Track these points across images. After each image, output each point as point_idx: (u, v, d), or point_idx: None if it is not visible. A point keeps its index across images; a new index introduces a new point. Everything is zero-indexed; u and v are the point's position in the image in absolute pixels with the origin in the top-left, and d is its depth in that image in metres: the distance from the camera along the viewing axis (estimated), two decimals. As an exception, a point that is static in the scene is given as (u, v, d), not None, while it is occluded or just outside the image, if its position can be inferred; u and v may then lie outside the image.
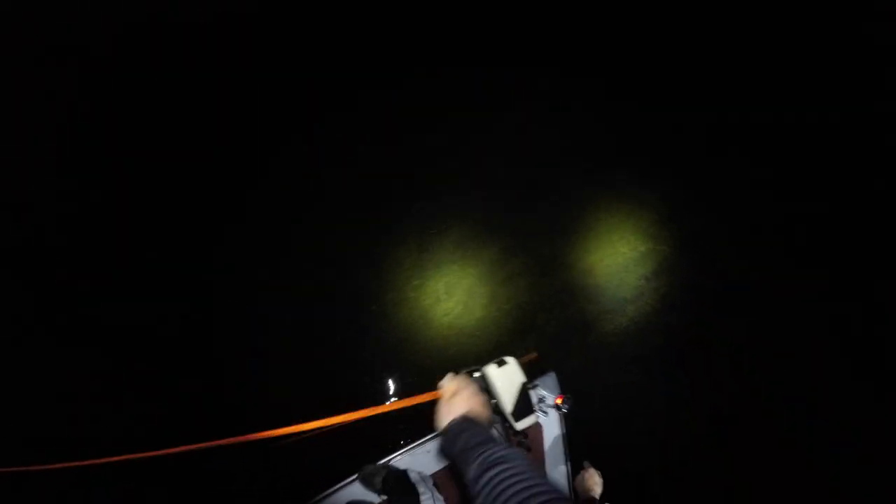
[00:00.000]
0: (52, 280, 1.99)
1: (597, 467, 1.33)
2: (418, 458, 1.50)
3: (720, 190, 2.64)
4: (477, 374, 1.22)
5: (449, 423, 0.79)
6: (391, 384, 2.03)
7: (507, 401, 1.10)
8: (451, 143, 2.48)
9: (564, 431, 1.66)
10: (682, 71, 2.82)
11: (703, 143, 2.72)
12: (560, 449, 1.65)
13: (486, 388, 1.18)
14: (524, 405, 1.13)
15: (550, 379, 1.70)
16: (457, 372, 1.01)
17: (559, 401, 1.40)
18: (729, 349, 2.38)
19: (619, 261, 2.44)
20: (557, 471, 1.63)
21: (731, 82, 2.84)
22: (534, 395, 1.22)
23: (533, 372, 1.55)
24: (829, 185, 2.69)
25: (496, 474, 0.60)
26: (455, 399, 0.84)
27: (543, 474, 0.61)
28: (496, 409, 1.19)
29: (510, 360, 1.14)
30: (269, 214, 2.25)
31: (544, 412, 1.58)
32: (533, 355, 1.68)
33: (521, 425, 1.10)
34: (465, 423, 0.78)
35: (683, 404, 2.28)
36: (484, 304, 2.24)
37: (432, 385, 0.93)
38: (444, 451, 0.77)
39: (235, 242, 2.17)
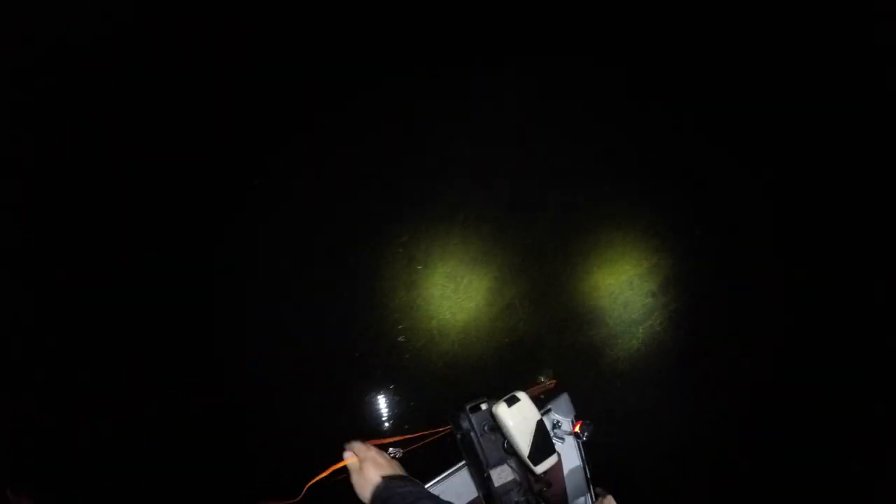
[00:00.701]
0: (52, 280, 1.99)
1: (615, 495, 1.27)
2: (453, 487, 1.36)
3: (723, 195, 2.62)
4: (483, 407, 1.16)
5: (372, 494, 0.81)
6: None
7: (523, 442, 1.01)
8: (431, 158, 2.39)
9: (584, 458, 1.52)
10: (682, 72, 2.81)
11: (704, 146, 2.71)
12: (581, 478, 1.51)
13: (495, 426, 1.11)
14: (542, 444, 1.04)
15: (563, 401, 1.55)
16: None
17: (577, 427, 1.28)
18: (748, 364, 2.32)
19: (623, 278, 2.36)
20: (578, 502, 1.51)
21: (731, 83, 2.84)
22: (547, 421, 1.13)
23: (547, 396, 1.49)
24: (828, 185, 2.69)
25: None
26: (364, 466, 0.85)
27: None
28: (510, 451, 1.11)
29: (522, 395, 1.06)
30: (262, 222, 2.23)
31: (560, 439, 1.40)
32: (551, 383, 1.59)
33: (541, 468, 1.02)
34: (386, 490, 0.80)
35: (704, 426, 2.21)
36: (482, 340, 2.14)
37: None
38: None
39: (235, 242, 2.17)
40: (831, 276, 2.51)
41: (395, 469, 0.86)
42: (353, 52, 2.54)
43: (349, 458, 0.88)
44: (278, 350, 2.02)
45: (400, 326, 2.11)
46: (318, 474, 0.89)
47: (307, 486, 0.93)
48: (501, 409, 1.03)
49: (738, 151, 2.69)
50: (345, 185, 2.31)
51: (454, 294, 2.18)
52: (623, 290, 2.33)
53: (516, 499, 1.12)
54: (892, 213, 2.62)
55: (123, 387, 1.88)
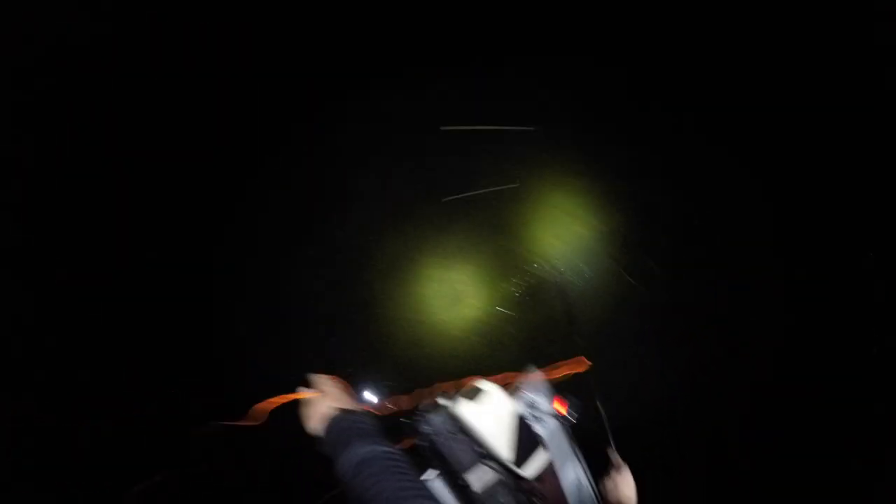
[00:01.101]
0: (52, 280, 1.99)
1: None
2: None
3: (723, 195, 2.62)
4: (442, 402, 0.97)
5: (329, 424, 0.76)
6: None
7: (502, 445, 0.82)
8: (428, 158, 2.39)
9: (569, 439, 1.22)
10: (682, 72, 2.81)
11: (704, 146, 2.71)
12: (566, 448, 1.21)
13: (460, 427, 0.89)
14: (526, 441, 0.86)
15: (534, 376, 1.25)
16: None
17: (560, 407, 1.05)
18: (748, 364, 2.31)
19: (617, 279, 2.35)
20: (569, 476, 1.19)
21: (731, 83, 2.83)
22: (521, 405, 0.92)
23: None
24: (828, 185, 2.68)
25: (371, 473, 0.64)
26: (325, 399, 0.81)
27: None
28: (487, 455, 0.90)
29: (487, 385, 0.86)
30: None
31: (539, 420, 1.12)
32: (576, 365, 1.31)
33: (530, 470, 0.84)
34: (345, 420, 0.76)
35: (703, 427, 2.20)
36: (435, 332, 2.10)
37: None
38: (325, 451, 0.76)
39: (235, 242, 2.17)
40: (831, 276, 2.50)
41: (351, 402, 0.81)
42: (354, 53, 2.54)
43: (308, 392, 0.82)
44: (278, 350, 2.02)
45: (404, 325, 2.12)
46: (272, 401, 0.85)
47: (260, 409, 0.90)
48: (464, 409, 0.83)
49: (738, 151, 2.68)
50: (345, 185, 2.31)
51: (453, 291, 2.19)
52: (582, 257, 2.34)
53: (503, 500, 0.93)
54: (892, 213, 2.61)
55: (123, 387, 1.88)
